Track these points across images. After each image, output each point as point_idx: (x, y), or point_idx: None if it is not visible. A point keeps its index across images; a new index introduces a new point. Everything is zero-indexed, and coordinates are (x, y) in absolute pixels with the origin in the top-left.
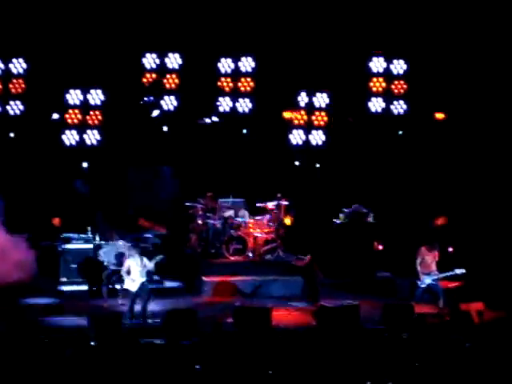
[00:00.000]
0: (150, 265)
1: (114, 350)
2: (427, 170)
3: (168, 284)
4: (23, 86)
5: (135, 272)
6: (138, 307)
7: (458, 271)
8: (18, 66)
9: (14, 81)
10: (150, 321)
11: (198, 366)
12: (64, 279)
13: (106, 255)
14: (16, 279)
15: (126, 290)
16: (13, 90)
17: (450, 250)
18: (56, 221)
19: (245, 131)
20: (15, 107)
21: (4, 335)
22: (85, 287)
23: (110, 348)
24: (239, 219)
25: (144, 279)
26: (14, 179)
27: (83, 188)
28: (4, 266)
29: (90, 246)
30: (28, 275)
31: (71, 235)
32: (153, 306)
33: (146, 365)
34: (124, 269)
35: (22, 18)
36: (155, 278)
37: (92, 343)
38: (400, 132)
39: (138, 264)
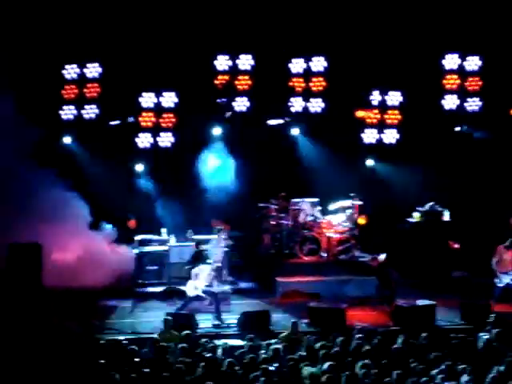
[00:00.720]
0: (215, 289)
1: (192, 351)
2: (504, 168)
3: (242, 285)
4: (98, 89)
5: (201, 282)
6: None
7: None
8: (92, 70)
9: (89, 85)
10: (225, 321)
11: (272, 368)
12: (140, 281)
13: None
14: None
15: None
16: (87, 95)
17: None
18: (132, 223)
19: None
20: (90, 111)
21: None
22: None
23: (187, 350)
24: (311, 219)
25: (203, 295)
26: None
27: (147, 185)
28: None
29: (166, 247)
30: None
31: (147, 237)
32: (227, 307)
33: (223, 366)
34: (195, 270)
35: (95, 22)
36: (230, 278)
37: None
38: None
39: (207, 278)
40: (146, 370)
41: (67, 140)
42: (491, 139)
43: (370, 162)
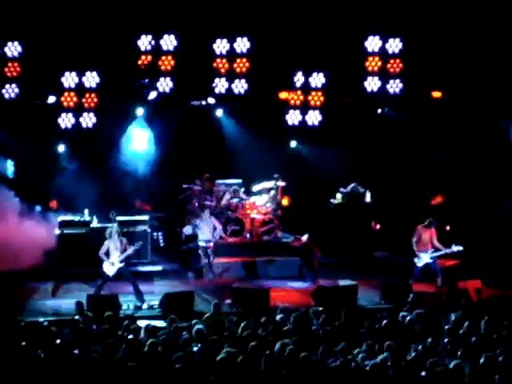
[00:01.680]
0: (130, 250)
1: (112, 333)
2: (424, 149)
3: (166, 266)
4: (18, 69)
5: (114, 255)
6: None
7: (455, 248)
8: (13, 49)
9: (10, 64)
10: (147, 302)
11: (196, 348)
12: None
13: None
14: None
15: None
16: (8, 74)
17: (448, 228)
18: (53, 203)
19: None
20: (10, 90)
21: None
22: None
23: (109, 331)
24: (236, 200)
25: (122, 265)
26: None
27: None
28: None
29: (88, 229)
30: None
31: (69, 218)
32: (150, 288)
33: (144, 347)
34: (102, 250)
35: (16, 0)
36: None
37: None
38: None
39: (116, 247)
40: (67, 352)
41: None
42: (411, 121)
43: (293, 144)
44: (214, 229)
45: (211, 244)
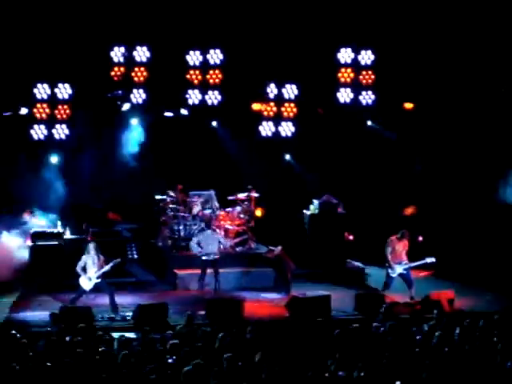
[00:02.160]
0: (107, 267)
1: (86, 344)
2: (396, 160)
3: (140, 277)
4: None
5: (91, 271)
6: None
7: (429, 260)
8: None
9: None
10: (121, 314)
11: (170, 360)
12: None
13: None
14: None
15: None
16: None
17: (420, 239)
18: (26, 214)
19: (214, 123)
20: None
21: None
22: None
23: (82, 342)
24: (209, 211)
25: (99, 281)
26: None
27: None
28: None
29: (61, 240)
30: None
31: (42, 230)
32: (124, 300)
33: (119, 359)
34: (80, 265)
35: None
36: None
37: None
38: (369, 123)
39: (94, 263)
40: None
41: None
42: (384, 132)
43: (268, 155)
44: (219, 241)
45: (217, 256)
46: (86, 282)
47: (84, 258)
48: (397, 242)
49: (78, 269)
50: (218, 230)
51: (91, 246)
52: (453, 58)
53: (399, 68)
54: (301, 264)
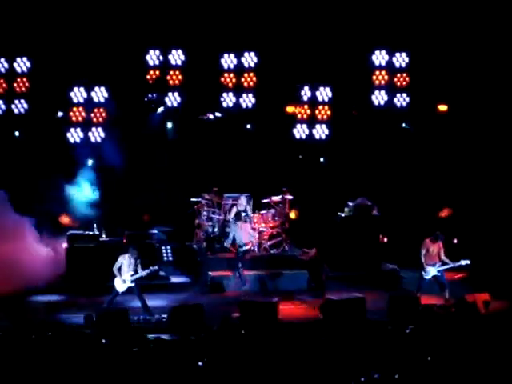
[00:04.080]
0: (143, 273)
1: (122, 346)
2: (431, 162)
3: (175, 279)
4: (27, 84)
5: (126, 273)
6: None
7: (463, 262)
8: (21, 64)
9: (18, 79)
10: (156, 316)
11: (200, 363)
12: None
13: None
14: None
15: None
16: (17, 89)
17: (455, 241)
18: (64, 219)
19: (248, 126)
20: (19, 106)
21: None
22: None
23: (118, 344)
24: (243, 214)
25: (133, 284)
26: (17, 177)
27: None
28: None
29: (97, 243)
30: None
31: (78, 232)
32: (160, 302)
33: (154, 361)
34: (116, 265)
35: (25, 16)
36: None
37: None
38: (403, 125)
39: (129, 265)
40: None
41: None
42: (418, 134)
43: (301, 157)
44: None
45: (249, 247)
46: (120, 284)
47: (120, 259)
48: (431, 244)
49: (115, 269)
50: (244, 224)
51: (130, 248)
52: (487, 60)
53: (434, 70)
54: (335, 266)
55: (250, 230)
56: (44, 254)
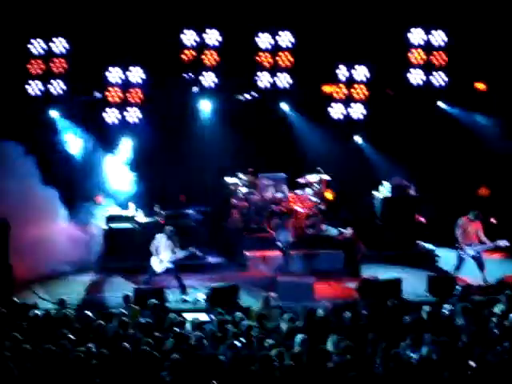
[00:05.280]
0: (181, 254)
1: (159, 326)
2: (469, 141)
3: (211, 259)
4: (64, 65)
5: (164, 253)
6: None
7: (501, 243)
8: (59, 45)
9: (56, 60)
10: (192, 296)
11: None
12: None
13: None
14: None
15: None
16: (54, 70)
17: (493, 220)
18: (99, 198)
19: (285, 106)
20: (57, 86)
21: None
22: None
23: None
24: (280, 194)
25: (170, 266)
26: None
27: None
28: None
29: (133, 223)
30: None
31: (115, 213)
32: (195, 281)
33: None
34: (154, 244)
35: None
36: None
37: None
38: (439, 103)
39: (167, 246)
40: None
41: (53, 114)
42: (457, 114)
43: (338, 137)
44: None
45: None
46: (157, 264)
47: (157, 239)
48: (468, 224)
49: (152, 249)
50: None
51: (167, 228)
52: None
53: (472, 48)
54: (371, 246)
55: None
56: (75, 235)
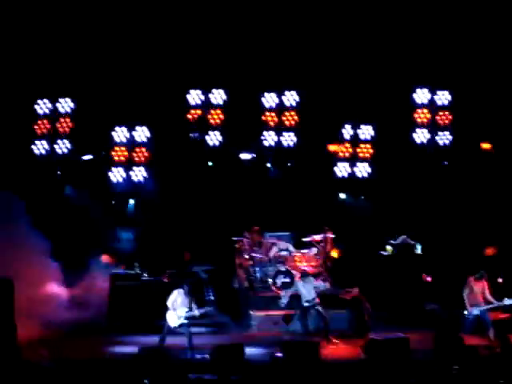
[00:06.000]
0: (196, 312)
1: None
2: (475, 201)
3: (216, 318)
4: (70, 124)
5: (181, 309)
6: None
7: (507, 302)
8: (65, 105)
9: (62, 120)
10: (198, 356)
11: None
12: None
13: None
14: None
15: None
16: (60, 130)
17: (500, 280)
18: (105, 257)
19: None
20: (63, 146)
21: None
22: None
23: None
24: (285, 252)
25: (186, 321)
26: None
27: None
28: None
29: (139, 281)
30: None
31: (121, 271)
32: (201, 340)
33: None
34: (171, 300)
35: (67, 57)
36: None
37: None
38: (445, 162)
39: (184, 303)
40: None
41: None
42: (461, 172)
43: (342, 196)
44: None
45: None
46: (174, 319)
47: (175, 294)
48: (475, 283)
49: (169, 304)
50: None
51: (184, 286)
52: None
53: (476, 108)
54: (378, 306)
55: (316, 283)
56: (65, 296)
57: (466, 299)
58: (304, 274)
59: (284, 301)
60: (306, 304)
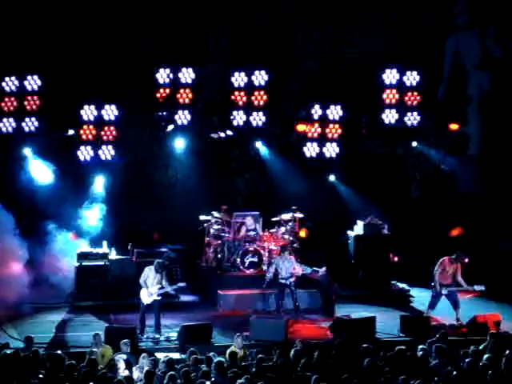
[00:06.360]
0: (168, 288)
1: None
2: (442, 181)
3: (184, 298)
4: (38, 102)
5: (153, 287)
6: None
7: (477, 288)
8: (32, 82)
9: (29, 97)
10: (165, 335)
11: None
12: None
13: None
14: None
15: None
16: (27, 107)
17: (466, 260)
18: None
19: (259, 144)
20: (30, 124)
21: None
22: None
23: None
24: (253, 232)
25: (159, 298)
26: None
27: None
28: None
29: (106, 261)
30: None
31: (87, 250)
32: (168, 320)
33: (165, 380)
34: (143, 277)
35: (34, 34)
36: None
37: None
38: (414, 143)
39: (157, 280)
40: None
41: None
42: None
43: (311, 176)
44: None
45: (292, 279)
46: (146, 297)
47: (146, 271)
48: (449, 264)
49: (141, 281)
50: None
51: (156, 263)
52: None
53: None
54: (345, 285)
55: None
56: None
57: (436, 278)
58: (283, 249)
59: (269, 276)
60: (281, 281)
